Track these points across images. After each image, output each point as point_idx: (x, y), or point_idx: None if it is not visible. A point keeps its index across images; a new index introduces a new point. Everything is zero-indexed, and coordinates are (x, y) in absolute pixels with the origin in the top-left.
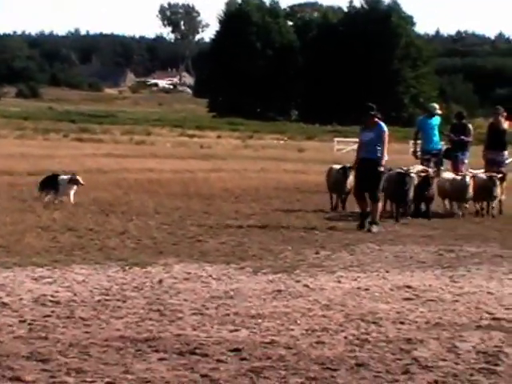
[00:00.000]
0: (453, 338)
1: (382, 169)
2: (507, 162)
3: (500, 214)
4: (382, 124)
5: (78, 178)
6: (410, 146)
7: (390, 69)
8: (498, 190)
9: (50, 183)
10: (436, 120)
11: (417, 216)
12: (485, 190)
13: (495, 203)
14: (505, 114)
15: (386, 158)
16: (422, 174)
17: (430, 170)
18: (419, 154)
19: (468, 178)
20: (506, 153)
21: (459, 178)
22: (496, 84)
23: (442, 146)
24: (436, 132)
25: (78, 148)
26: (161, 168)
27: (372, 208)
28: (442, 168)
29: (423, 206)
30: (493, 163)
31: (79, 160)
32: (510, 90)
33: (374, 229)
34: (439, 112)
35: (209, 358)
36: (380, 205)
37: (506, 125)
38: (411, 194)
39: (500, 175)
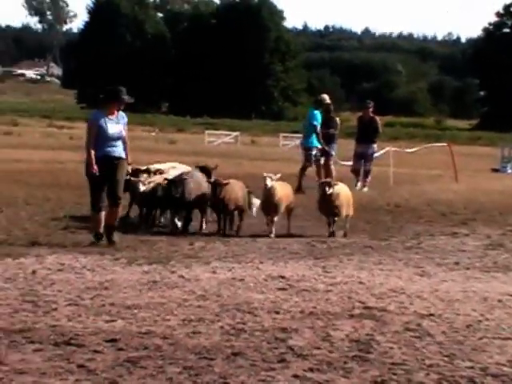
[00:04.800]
0: (326, 326)
1: (130, 168)
2: (376, 155)
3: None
4: (123, 114)
5: None
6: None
7: (261, 62)
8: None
9: None
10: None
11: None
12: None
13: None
14: (370, 107)
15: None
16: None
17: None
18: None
19: (269, 182)
20: (374, 146)
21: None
22: (362, 78)
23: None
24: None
25: None
26: (30, 159)
27: (111, 212)
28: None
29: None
30: (361, 156)
31: None
32: (376, 84)
33: (116, 237)
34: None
35: (85, 349)
36: (120, 208)
37: (376, 118)
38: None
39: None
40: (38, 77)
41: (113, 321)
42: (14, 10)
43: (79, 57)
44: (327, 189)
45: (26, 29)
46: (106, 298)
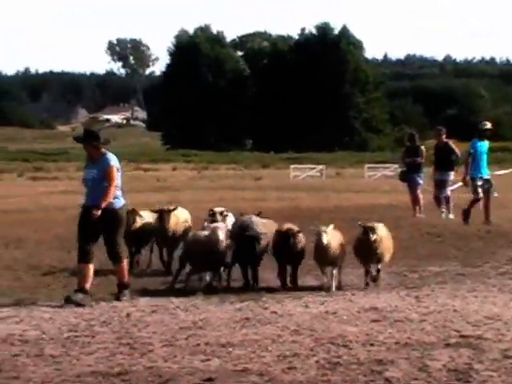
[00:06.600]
0: (423, 357)
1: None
2: (455, 184)
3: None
4: (109, 155)
5: None
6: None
7: (341, 94)
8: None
9: None
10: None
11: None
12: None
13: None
14: (442, 134)
15: (113, 201)
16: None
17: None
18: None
19: (325, 238)
20: (451, 172)
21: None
22: (445, 105)
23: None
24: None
25: (33, 187)
26: None
27: (115, 271)
28: None
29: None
30: (441, 184)
31: (35, 198)
32: (459, 110)
33: (124, 296)
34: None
35: None
36: (126, 263)
37: (452, 145)
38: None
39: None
40: (124, 121)
41: (208, 360)
42: (97, 56)
43: (163, 99)
44: (371, 235)
45: (109, 74)
46: (200, 337)
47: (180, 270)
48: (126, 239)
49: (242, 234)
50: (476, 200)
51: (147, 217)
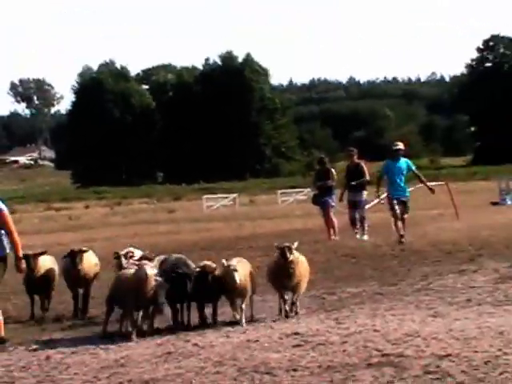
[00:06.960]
0: (346, 378)
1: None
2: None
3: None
4: None
5: None
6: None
7: (249, 122)
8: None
9: None
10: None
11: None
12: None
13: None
14: (354, 154)
15: None
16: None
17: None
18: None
19: (237, 277)
20: (364, 192)
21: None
22: (353, 127)
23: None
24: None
25: None
26: (31, 244)
27: None
28: None
29: None
30: (354, 204)
31: None
32: (366, 131)
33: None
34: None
35: None
36: None
37: (361, 164)
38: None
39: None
40: (32, 162)
41: None
42: (0, 98)
43: (70, 137)
44: (288, 254)
45: (14, 116)
46: (123, 375)
47: (108, 312)
48: (28, 285)
49: (174, 272)
50: (395, 216)
51: (49, 261)
